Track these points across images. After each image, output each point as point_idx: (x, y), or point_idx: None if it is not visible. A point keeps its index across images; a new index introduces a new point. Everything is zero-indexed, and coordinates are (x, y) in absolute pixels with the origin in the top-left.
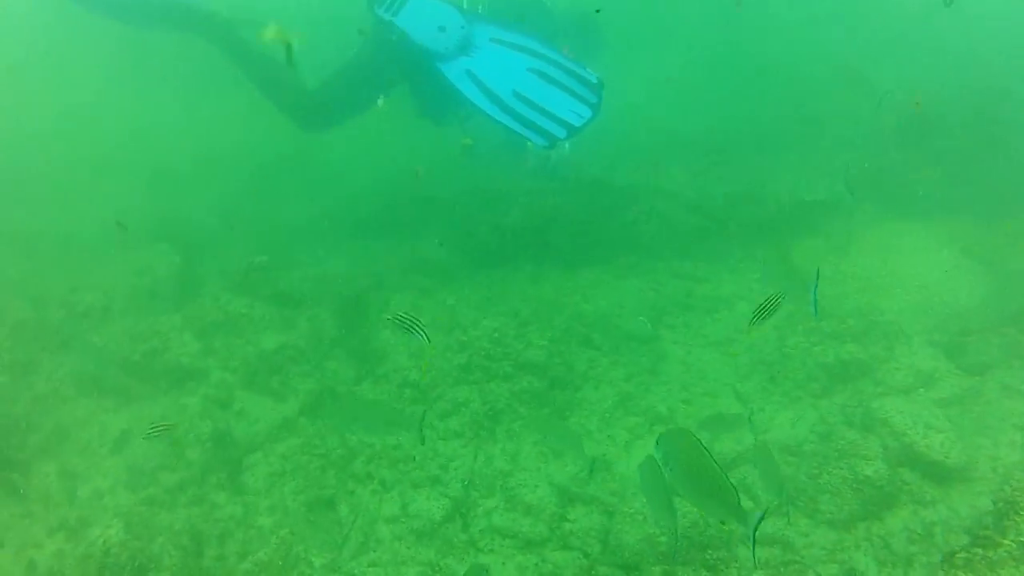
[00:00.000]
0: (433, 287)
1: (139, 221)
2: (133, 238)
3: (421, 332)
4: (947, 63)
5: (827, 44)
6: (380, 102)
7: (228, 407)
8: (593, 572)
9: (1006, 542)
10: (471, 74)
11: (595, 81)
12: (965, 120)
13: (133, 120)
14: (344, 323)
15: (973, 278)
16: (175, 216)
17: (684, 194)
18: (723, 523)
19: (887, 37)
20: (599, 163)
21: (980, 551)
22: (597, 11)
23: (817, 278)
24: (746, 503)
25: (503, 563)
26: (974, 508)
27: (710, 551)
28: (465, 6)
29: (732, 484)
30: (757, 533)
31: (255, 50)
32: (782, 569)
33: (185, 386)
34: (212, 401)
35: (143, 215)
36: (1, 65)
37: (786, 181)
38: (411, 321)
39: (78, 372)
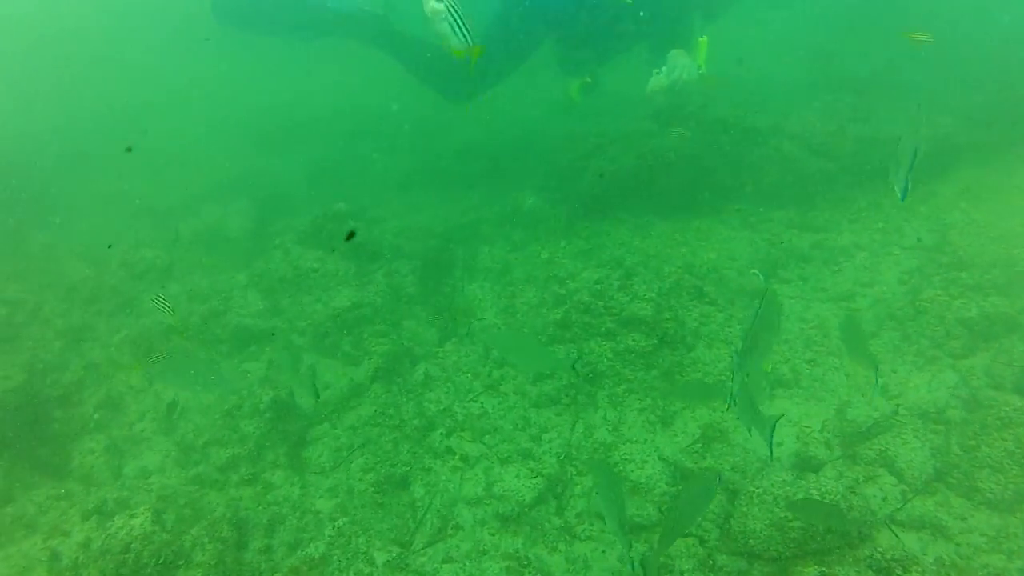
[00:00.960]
0: (526, 239)
1: (226, 180)
2: (214, 196)
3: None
4: None
5: None
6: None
7: (293, 373)
8: (711, 561)
9: None
10: None
11: None
12: None
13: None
14: (427, 279)
15: None
16: (263, 172)
17: (813, 136)
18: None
19: None
20: (726, 105)
21: None
22: None
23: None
24: (887, 478)
25: (603, 552)
26: None
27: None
28: None
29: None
30: None
31: (409, 42)
32: (935, 557)
33: (247, 349)
34: (276, 366)
35: (232, 174)
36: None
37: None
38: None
39: (135, 337)
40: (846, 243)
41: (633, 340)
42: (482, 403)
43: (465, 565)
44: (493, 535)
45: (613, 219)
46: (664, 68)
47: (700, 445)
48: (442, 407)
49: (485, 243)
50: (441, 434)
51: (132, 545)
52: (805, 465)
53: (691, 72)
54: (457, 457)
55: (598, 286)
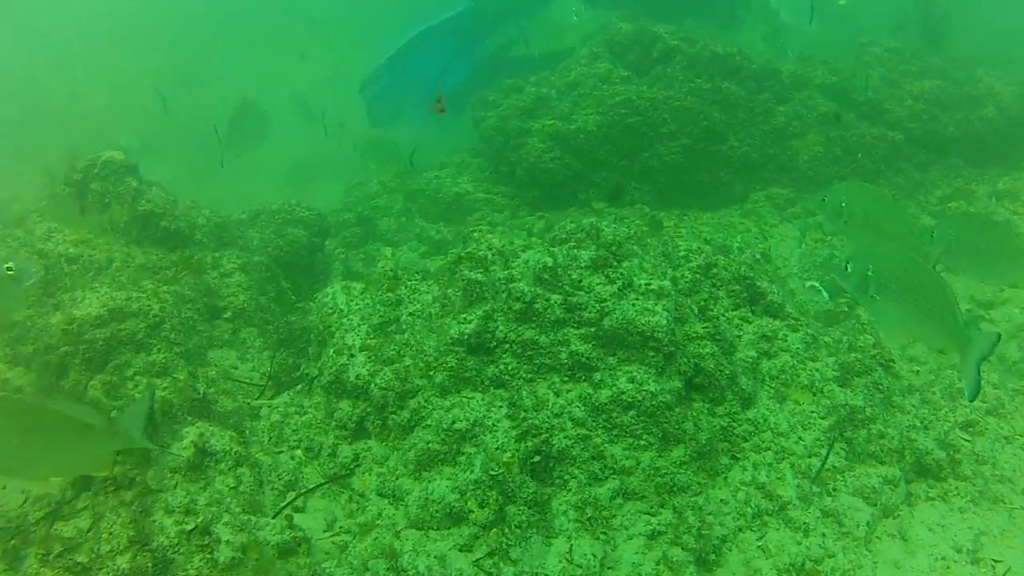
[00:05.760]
0: (447, 239)
1: None
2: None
3: None
4: None
5: None
6: None
7: None
8: None
9: None
10: None
11: None
12: None
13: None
14: (273, 286)
15: None
16: None
17: (857, 92)
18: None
19: None
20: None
21: None
22: None
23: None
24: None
25: None
26: None
27: None
28: None
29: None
30: None
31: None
32: None
33: None
34: None
35: None
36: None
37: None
38: None
39: None
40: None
41: (628, 380)
42: (307, 523)
43: None
44: None
45: (581, 207)
46: None
47: None
48: (230, 528)
49: (385, 242)
50: None
51: None
52: None
53: None
54: None
55: (550, 267)
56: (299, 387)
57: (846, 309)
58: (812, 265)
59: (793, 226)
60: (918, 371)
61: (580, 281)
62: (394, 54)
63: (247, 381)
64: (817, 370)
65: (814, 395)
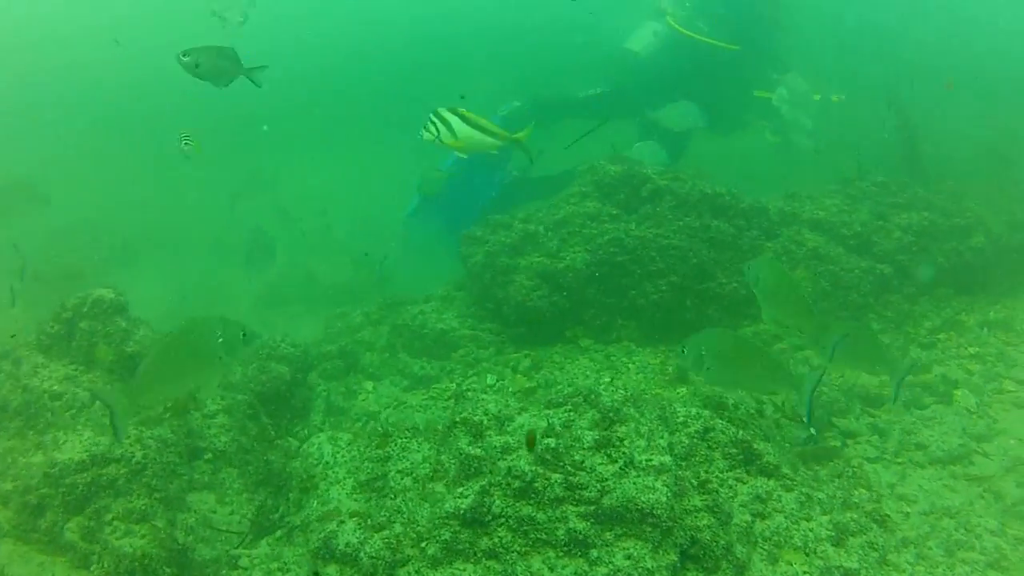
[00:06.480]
0: (432, 373)
1: None
2: None
3: None
4: None
5: None
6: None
7: None
8: None
9: None
10: None
11: None
12: None
13: None
14: (255, 425)
15: None
16: None
17: (843, 225)
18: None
19: None
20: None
21: None
22: None
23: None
24: None
25: None
26: None
27: None
28: None
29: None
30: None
31: None
32: None
33: None
34: None
35: None
36: None
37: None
38: None
39: None
40: (929, 378)
41: (625, 556)
42: None
43: None
44: None
45: (567, 344)
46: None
47: None
48: None
49: (367, 376)
50: None
51: None
52: None
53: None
54: None
55: (551, 441)
56: (279, 534)
57: (838, 445)
58: (800, 403)
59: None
60: (907, 513)
61: (578, 456)
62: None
63: (227, 530)
64: (811, 530)
65: (807, 556)
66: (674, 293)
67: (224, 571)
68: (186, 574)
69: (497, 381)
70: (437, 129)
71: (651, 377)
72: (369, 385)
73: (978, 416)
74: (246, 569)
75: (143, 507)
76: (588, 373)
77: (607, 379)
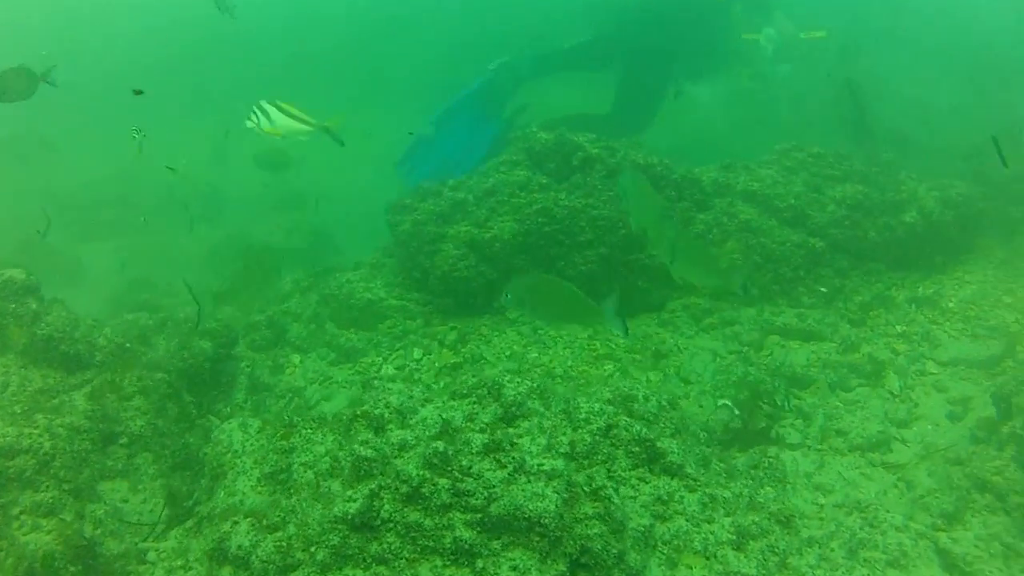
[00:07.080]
0: (359, 345)
1: None
2: None
3: None
4: None
5: None
6: None
7: None
8: None
9: None
10: None
11: None
12: None
13: None
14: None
15: None
16: None
17: (777, 197)
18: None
19: None
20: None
21: None
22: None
23: None
24: None
25: None
26: None
27: None
28: None
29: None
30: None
31: None
32: None
33: None
34: None
35: None
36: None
37: (929, 182)
38: None
39: None
40: (857, 358)
41: (511, 567)
42: None
43: None
44: None
45: (495, 316)
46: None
47: None
48: None
49: (294, 349)
50: None
51: None
52: None
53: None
54: None
55: (441, 445)
56: (189, 524)
57: (763, 425)
58: (725, 383)
59: (710, 337)
60: (822, 505)
61: (468, 462)
62: (421, 133)
63: (136, 522)
64: (712, 533)
65: (707, 559)
66: (603, 264)
67: (131, 566)
68: (92, 571)
69: (423, 356)
70: (258, 118)
71: (578, 353)
72: (296, 359)
73: (900, 400)
74: (152, 564)
75: (51, 500)
76: (515, 348)
77: (534, 354)
